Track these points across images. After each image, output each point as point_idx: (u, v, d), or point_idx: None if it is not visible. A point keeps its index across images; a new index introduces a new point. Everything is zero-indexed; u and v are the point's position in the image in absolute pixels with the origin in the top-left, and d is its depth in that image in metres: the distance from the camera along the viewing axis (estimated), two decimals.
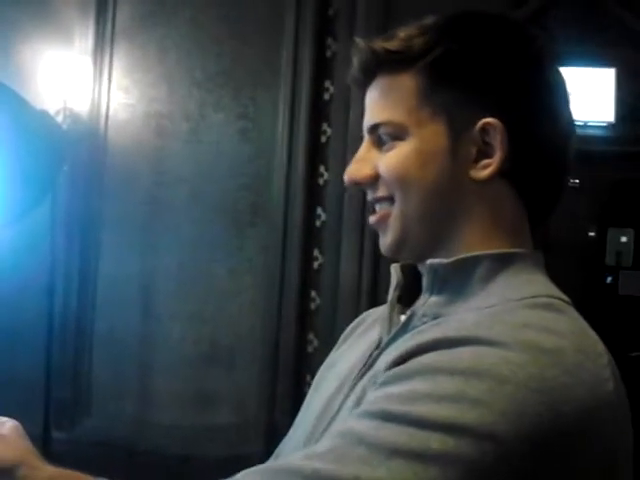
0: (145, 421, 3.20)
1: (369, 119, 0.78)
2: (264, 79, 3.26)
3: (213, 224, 3.27)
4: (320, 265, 3.20)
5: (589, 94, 3.10)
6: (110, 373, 3.25)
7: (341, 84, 3.12)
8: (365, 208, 3.05)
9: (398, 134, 0.75)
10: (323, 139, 3.21)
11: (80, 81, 3.27)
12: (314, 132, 3.20)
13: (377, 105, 0.77)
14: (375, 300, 3.05)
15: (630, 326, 3.41)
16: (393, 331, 0.76)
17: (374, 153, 0.77)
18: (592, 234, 3.66)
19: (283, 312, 3.17)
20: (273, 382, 3.16)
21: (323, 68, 3.20)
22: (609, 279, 3.62)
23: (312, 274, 3.20)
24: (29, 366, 3.04)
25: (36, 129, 2.91)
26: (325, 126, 3.21)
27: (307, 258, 3.19)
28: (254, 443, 3.07)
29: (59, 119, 3.21)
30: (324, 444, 0.65)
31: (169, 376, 3.23)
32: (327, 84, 3.20)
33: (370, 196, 0.78)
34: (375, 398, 0.67)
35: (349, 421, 0.67)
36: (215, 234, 3.27)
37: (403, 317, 0.76)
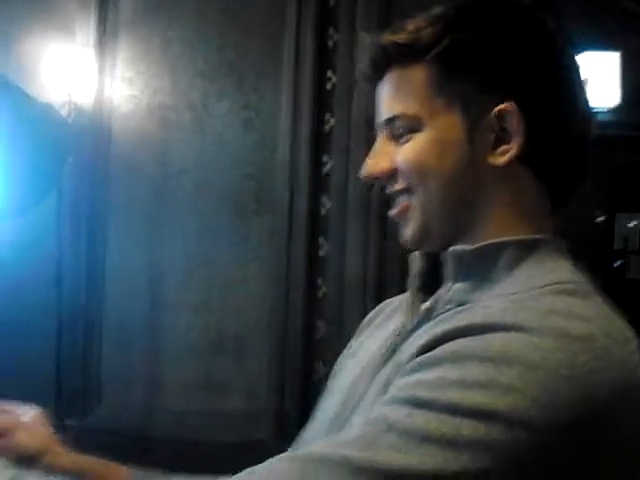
0: (155, 408, 3.23)
1: (383, 113, 0.77)
2: (267, 69, 3.25)
3: (218, 214, 3.28)
4: (326, 253, 3.21)
5: (594, 78, 3.09)
6: (119, 362, 3.27)
7: (343, 73, 3.12)
8: (370, 195, 3.05)
9: (413, 126, 0.75)
10: (326, 128, 3.21)
11: (84, 74, 3.27)
12: (317, 121, 3.20)
13: (390, 99, 0.77)
14: (382, 286, 3.05)
15: (637, 309, 3.40)
16: (416, 319, 0.76)
17: (390, 147, 0.77)
18: (600, 219, 3.65)
19: (290, 300, 3.19)
20: (281, 369, 3.18)
21: (325, 58, 3.19)
22: (617, 263, 3.62)
23: (318, 262, 3.21)
24: (39, 357, 3.07)
25: (40, 123, 2.91)
26: (328, 115, 3.20)
27: (313, 246, 3.20)
28: (263, 429, 3.09)
29: (63, 112, 3.21)
30: (353, 431, 0.66)
31: (178, 364, 3.25)
32: (329, 74, 3.20)
33: (389, 189, 0.78)
34: (404, 385, 0.67)
35: (378, 408, 0.67)
36: (220, 224, 3.28)
37: (425, 305, 0.76)
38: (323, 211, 3.22)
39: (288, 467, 0.65)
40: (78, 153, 3.20)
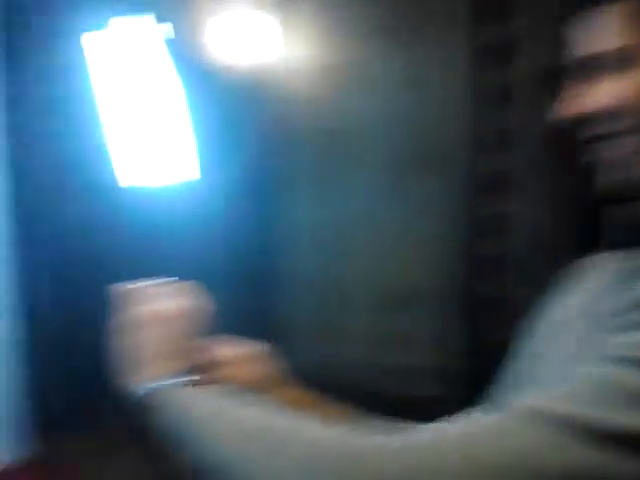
0: (334, 360, 3.36)
1: (590, 48, 0.73)
2: (436, 25, 3.18)
3: (384, 173, 3.29)
4: (498, 210, 3.13)
5: None
6: (295, 319, 3.43)
7: (524, 20, 2.96)
8: (554, 145, 2.91)
9: (626, 62, 0.70)
10: (502, 82, 3.09)
11: (257, 37, 3.38)
12: (489, 76, 3.09)
13: (600, 33, 0.72)
14: (555, 247, 2.93)
15: None
16: (615, 278, 0.73)
17: (599, 84, 0.72)
18: None
19: (459, 259, 3.15)
20: (453, 328, 3.17)
21: (501, 8, 3.06)
22: None
23: (489, 219, 3.13)
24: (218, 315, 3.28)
25: (217, 87, 3.04)
26: (503, 69, 3.08)
27: (483, 204, 3.13)
28: (439, 385, 3.13)
29: (240, 76, 3.35)
30: (560, 388, 0.65)
31: (353, 320, 3.35)
32: (506, 25, 3.06)
33: (593, 132, 0.74)
34: (608, 344, 0.66)
35: (582, 366, 0.66)
36: (387, 183, 3.29)
37: (627, 263, 0.73)
38: (494, 167, 3.12)
39: (499, 421, 0.65)
40: (253, 117, 3.33)
